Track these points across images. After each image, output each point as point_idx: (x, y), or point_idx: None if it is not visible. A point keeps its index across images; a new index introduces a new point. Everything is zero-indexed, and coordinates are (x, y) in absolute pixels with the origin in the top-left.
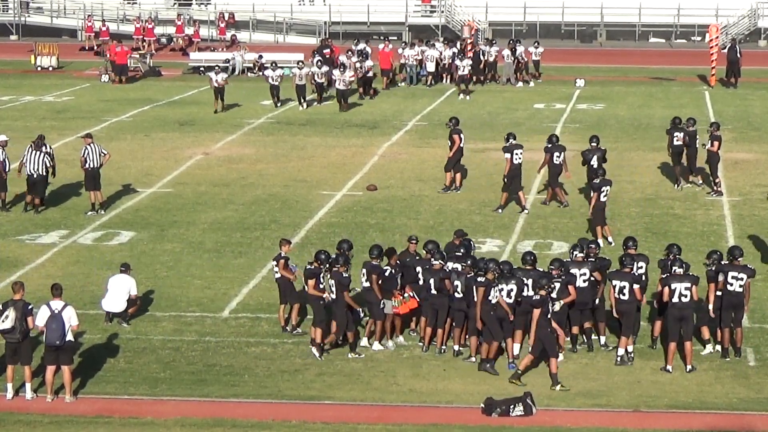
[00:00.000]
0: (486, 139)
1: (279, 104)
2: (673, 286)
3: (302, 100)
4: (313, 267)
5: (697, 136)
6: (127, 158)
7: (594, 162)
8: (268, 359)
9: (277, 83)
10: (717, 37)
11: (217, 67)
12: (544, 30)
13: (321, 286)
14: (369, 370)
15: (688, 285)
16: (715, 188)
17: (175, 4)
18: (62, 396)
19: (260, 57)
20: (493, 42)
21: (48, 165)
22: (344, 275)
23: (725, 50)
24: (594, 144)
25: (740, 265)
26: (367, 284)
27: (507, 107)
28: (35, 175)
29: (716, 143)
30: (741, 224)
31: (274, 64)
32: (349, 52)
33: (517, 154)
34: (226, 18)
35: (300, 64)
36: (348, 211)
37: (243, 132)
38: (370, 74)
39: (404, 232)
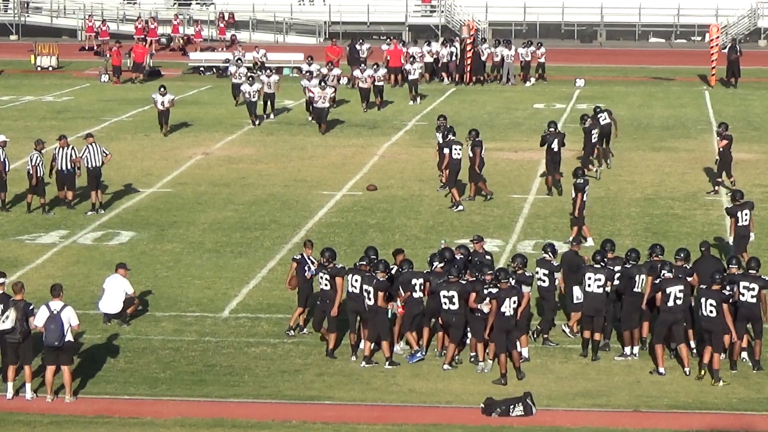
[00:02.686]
0: (486, 139)
1: (258, 122)
2: (668, 290)
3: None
4: (384, 280)
5: (593, 131)
6: (127, 158)
7: (555, 146)
8: (268, 359)
9: (254, 99)
10: (717, 37)
11: (162, 88)
12: (544, 30)
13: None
14: (369, 370)
15: (682, 288)
16: (715, 188)
17: (175, 3)
18: (62, 396)
19: (258, 51)
20: (499, 41)
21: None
22: (463, 282)
23: (725, 50)
24: (552, 129)
25: (754, 275)
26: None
27: (507, 107)
28: (65, 171)
29: (724, 141)
30: None
31: (251, 79)
32: (330, 64)
33: (456, 149)
34: (226, 18)
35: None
36: (348, 211)
37: (243, 132)
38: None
39: (404, 232)
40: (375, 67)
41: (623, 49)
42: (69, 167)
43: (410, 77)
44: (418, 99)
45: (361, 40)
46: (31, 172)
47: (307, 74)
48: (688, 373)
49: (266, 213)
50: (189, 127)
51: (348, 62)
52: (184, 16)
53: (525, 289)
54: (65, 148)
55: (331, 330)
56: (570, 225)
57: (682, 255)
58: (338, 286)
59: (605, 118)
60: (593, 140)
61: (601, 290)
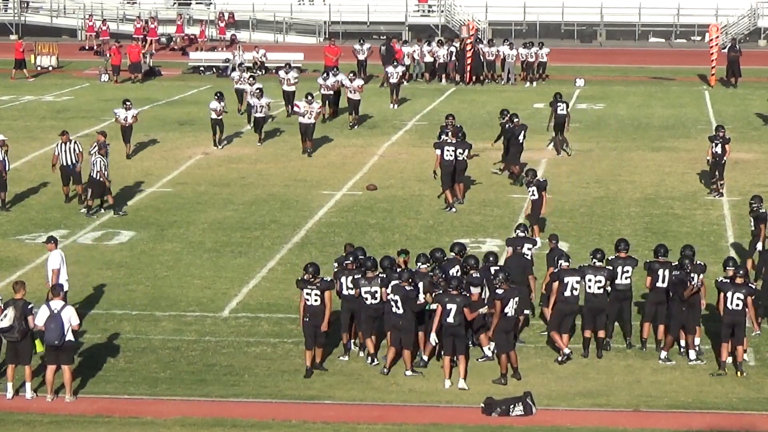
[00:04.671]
0: (486, 138)
1: (221, 145)
2: (565, 279)
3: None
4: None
5: (523, 130)
6: (127, 158)
7: (521, 138)
8: (268, 359)
9: (220, 117)
10: (717, 37)
11: (127, 103)
12: (544, 30)
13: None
14: (369, 370)
15: (579, 279)
16: (719, 189)
17: (175, 3)
18: (62, 396)
19: (258, 51)
20: (493, 42)
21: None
22: (407, 289)
23: (725, 50)
24: (517, 120)
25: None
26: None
27: (507, 107)
28: (69, 167)
29: (727, 146)
30: (741, 224)
31: (219, 95)
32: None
33: (448, 150)
34: (226, 18)
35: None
36: (348, 210)
37: (243, 132)
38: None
39: (404, 232)
40: (350, 76)
41: (623, 49)
42: (73, 162)
43: (391, 81)
44: (395, 105)
45: (361, 41)
46: (94, 176)
47: (257, 92)
48: (600, 356)
49: (266, 213)
50: (189, 127)
51: (382, 62)
52: (185, 15)
53: (474, 290)
54: (67, 143)
55: (319, 344)
56: (531, 223)
57: (689, 252)
58: (327, 300)
59: (563, 109)
60: (520, 140)
61: (601, 290)
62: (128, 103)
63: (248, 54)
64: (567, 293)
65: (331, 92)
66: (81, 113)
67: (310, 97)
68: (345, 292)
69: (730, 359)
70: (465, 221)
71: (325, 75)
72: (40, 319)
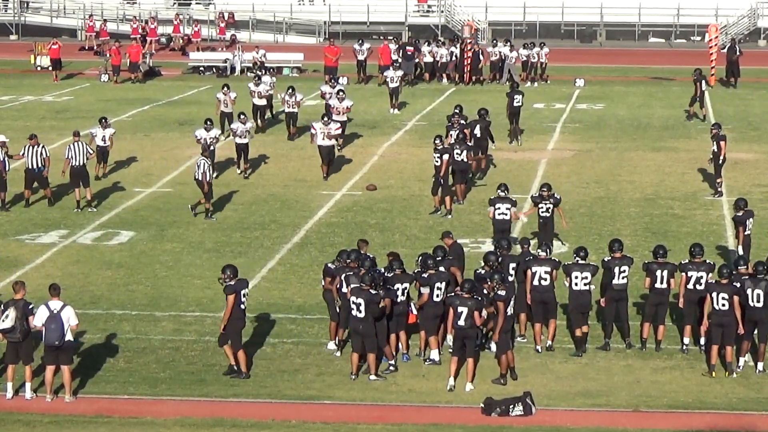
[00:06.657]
0: None
1: (214, 175)
2: (533, 269)
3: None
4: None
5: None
6: (127, 158)
7: (477, 132)
8: (268, 359)
9: (213, 148)
10: (716, 37)
11: (103, 120)
12: (544, 30)
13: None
14: (368, 369)
15: (548, 269)
16: (717, 189)
17: (174, 3)
18: (62, 396)
19: (258, 52)
20: (495, 42)
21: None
22: (372, 293)
23: (725, 50)
24: (484, 114)
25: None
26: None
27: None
28: (35, 170)
29: (722, 143)
30: None
31: (208, 121)
32: (337, 90)
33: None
34: (226, 18)
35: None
36: (348, 210)
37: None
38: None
39: (404, 232)
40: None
41: (623, 49)
42: (39, 165)
43: (391, 85)
44: (395, 110)
45: (360, 41)
46: (198, 177)
47: (242, 116)
48: (540, 349)
49: (266, 213)
50: (189, 127)
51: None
52: (184, 15)
53: (423, 290)
54: (35, 147)
55: (221, 343)
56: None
57: (698, 250)
58: (228, 303)
59: (518, 101)
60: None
61: (587, 287)
62: (105, 120)
63: (248, 54)
64: (535, 282)
65: (295, 110)
66: (81, 113)
67: (326, 118)
68: (344, 289)
69: (742, 359)
70: (465, 221)
71: (290, 90)
72: (39, 319)
